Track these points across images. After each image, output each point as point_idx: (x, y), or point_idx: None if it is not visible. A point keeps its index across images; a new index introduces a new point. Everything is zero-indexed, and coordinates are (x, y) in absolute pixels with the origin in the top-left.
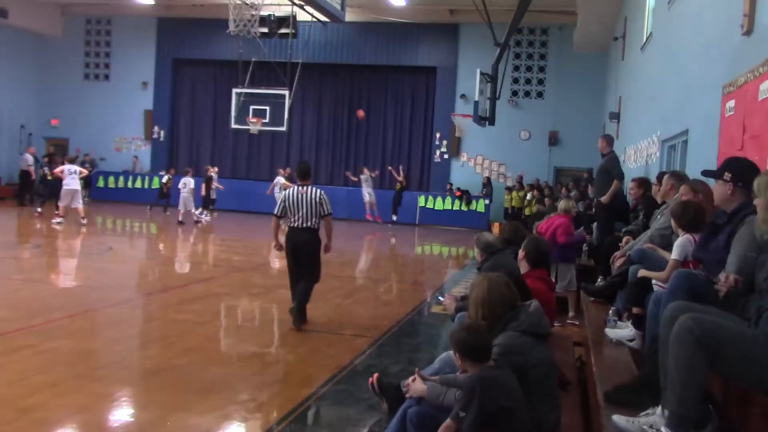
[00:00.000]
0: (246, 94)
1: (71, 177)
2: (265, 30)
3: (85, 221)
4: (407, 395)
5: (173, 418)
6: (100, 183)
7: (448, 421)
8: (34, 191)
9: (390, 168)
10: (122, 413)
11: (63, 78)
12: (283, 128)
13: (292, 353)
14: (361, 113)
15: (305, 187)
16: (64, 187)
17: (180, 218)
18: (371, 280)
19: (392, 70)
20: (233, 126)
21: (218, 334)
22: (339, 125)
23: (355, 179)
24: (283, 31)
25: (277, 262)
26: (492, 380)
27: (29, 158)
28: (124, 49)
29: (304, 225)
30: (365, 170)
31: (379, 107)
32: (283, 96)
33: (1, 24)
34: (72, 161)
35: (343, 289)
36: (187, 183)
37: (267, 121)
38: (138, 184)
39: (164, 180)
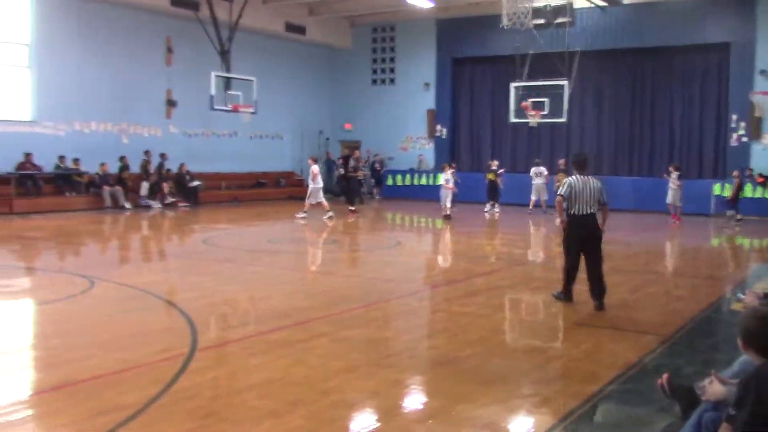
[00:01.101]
0: (524, 87)
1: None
2: (541, 21)
3: (330, 215)
4: (703, 398)
5: (458, 407)
6: (389, 181)
7: (723, 423)
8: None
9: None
10: (411, 400)
11: (353, 85)
12: (563, 119)
13: (576, 349)
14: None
15: (586, 177)
16: (314, 186)
17: (446, 212)
18: (660, 275)
19: (677, 50)
20: (512, 120)
21: (500, 327)
22: (621, 113)
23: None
24: (559, 20)
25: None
26: None
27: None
28: (407, 53)
29: (588, 211)
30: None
31: (665, 92)
32: (562, 87)
33: (300, 40)
34: (315, 161)
35: (630, 283)
36: (448, 179)
37: (546, 112)
38: (423, 181)
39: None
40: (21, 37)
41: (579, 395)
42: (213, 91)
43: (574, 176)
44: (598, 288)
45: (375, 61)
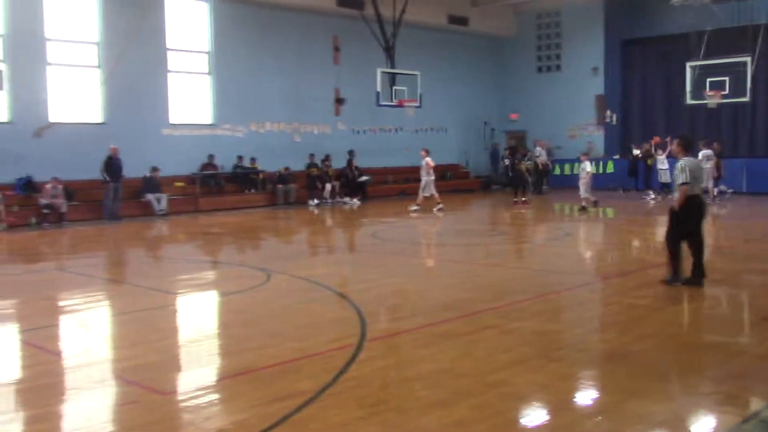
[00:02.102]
0: (701, 66)
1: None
2: None
3: (440, 206)
4: None
5: (630, 403)
6: (557, 171)
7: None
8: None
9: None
10: (581, 394)
11: (518, 74)
12: (746, 98)
13: (762, 345)
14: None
15: (694, 157)
16: (427, 178)
17: (583, 204)
18: None
19: None
20: (689, 102)
21: (675, 321)
22: None
23: None
24: None
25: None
26: None
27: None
28: (573, 38)
29: (700, 192)
30: None
31: None
32: (745, 63)
33: (463, 31)
34: (428, 152)
35: None
36: (585, 167)
37: (726, 92)
38: (593, 170)
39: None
40: (202, 46)
41: (764, 395)
42: (379, 87)
43: (686, 158)
44: (702, 268)
45: (540, 48)
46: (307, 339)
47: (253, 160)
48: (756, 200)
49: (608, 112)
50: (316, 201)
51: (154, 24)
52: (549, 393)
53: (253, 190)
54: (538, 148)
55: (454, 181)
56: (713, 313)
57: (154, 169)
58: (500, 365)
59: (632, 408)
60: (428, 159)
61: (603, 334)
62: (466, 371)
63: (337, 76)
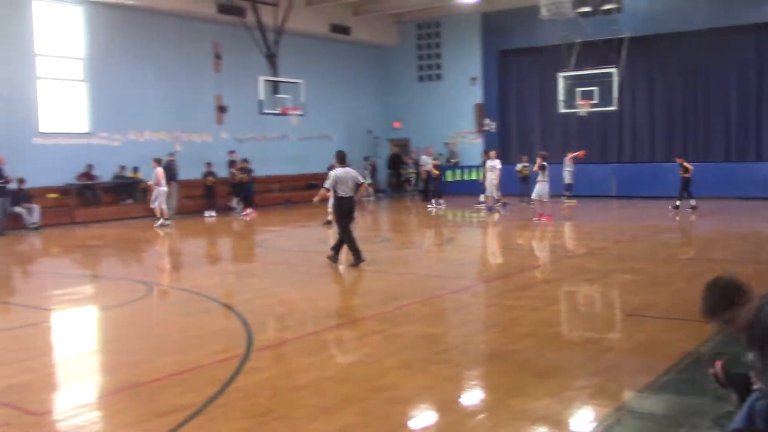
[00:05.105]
0: (572, 76)
1: None
2: (587, 9)
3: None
4: (754, 387)
5: (512, 401)
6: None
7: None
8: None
9: None
10: (465, 395)
11: (400, 82)
12: (613, 107)
13: (629, 340)
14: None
15: None
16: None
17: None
18: (716, 262)
19: (730, 31)
20: (561, 110)
21: (552, 320)
22: (674, 99)
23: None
24: (606, 6)
25: (610, 246)
26: None
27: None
28: (453, 47)
29: None
30: None
31: (719, 75)
32: (611, 75)
33: (345, 40)
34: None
35: (684, 271)
36: (496, 165)
37: (596, 101)
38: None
39: (518, 168)
40: (76, 52)
41: (632, 386)
42: (261, 96)
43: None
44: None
45: (421, 57)
46: (191, 351)
47: (136, 169)
48: (624, 204)
49: (487, 120)
50: (212, 213)
51: (20, 27)
52: (434, 394)
53: (130, 201)
54: (424, 157)
55: None
56: (586, 311)
57: (21, 180)
58: (386, 369)
59: (513, 405)
60: (159, 170)
61: (484, 335)
62: (352, 377)
63: (218, 83)
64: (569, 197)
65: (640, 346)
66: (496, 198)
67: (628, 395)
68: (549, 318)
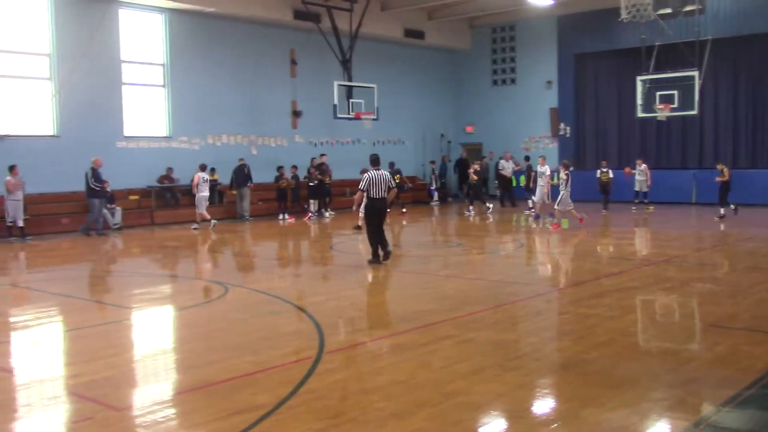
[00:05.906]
0: (651, 80)
1: None
2: (668, 11)
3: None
4: None
5: (585, 411)
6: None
7: None
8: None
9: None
10: (537, 403)
11: (474, 87)
12: (694, 112)
13: (710, 351)
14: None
15: None
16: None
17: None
18: None
19: None
20: (639, 115)
21: (629, 329)
22: (759, 102)
23: None
24: (688, 8)
25: (689, 254)
26: None
27: (504, 164)
28: (528, 51)
29: None
30: None
31: None
32: (692, 78)
33: (419, 45)
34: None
35: None
36: (545, 172)
37: (675, 106)
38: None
39: (598, 174)
40: (157, 58)
41: (714, 400)
42: (335, 100)
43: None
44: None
45: (495, 61)
46: (264, 352)
47: (213, 171)
48: (704, 211)
49: (562, 125)
50: (286, 216)
51: (108, 36)
52: (506, 402)
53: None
54: (503, 161)
55: (412, 193)
56: (666, 321)
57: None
58: (457, 375)
59: (587, 415)
60: (199, 175)
61: (558, 343)
62: (423, 382)
63: (294, 88)
64: (646, 204)
65: (722, 359)
66: (546, 203)
67: (708, 409)
68: (625, 327)
